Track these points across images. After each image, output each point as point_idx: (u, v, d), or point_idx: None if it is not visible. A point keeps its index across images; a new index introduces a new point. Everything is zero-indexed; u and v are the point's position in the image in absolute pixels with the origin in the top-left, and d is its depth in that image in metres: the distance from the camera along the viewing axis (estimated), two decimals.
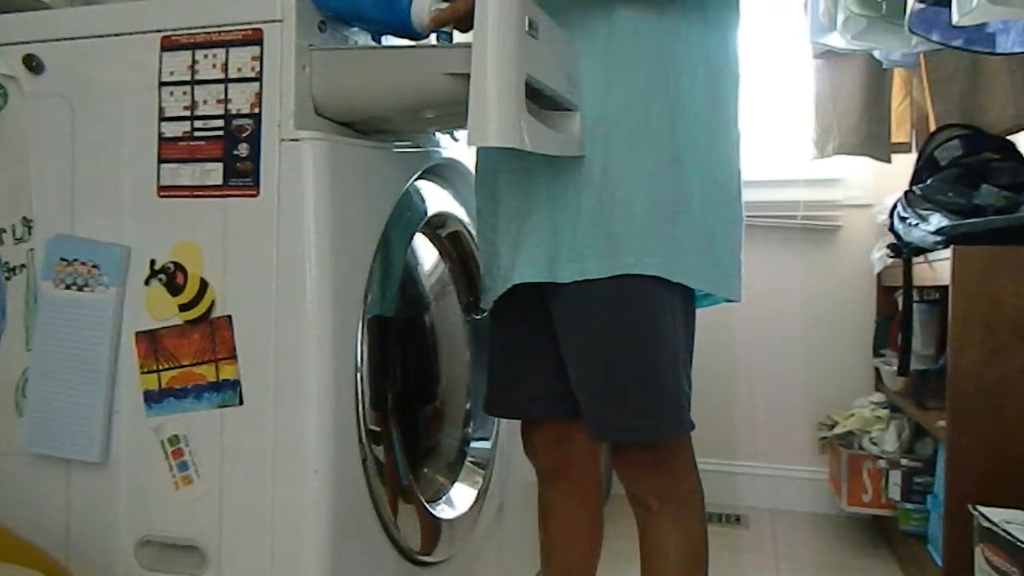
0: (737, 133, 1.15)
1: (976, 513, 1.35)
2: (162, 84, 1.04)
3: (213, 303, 1.02)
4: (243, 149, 1.00)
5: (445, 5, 1.02)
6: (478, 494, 1.42)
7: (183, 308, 1.03)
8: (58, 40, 1.10)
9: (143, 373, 1.05)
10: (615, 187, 1.06)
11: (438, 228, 1.38)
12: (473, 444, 1.47)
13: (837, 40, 1.89)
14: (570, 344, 1.12)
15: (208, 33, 1.02)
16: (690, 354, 1.15)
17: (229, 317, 1.01)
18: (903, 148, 2.28)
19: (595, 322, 1.09)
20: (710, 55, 1.11)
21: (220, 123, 1.01)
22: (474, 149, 1.30)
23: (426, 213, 1.27)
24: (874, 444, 2.09)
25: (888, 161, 2.25)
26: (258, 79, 1.00)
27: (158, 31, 1.04)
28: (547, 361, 1.16)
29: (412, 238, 1.25)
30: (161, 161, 1.04)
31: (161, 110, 1.04)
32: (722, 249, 1.11)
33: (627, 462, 1.16)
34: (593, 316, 1.09)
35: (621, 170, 1.06)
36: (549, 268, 1.09)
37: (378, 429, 1.09)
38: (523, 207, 1.12)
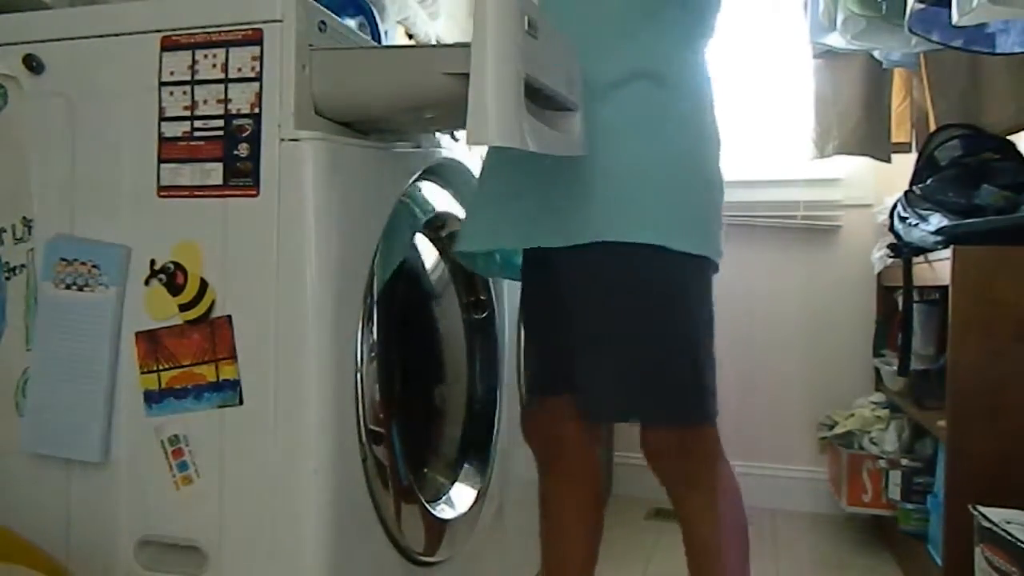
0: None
1: (976, 513, 1.35)
2: (162, 84, 1.04)
3: (213, 303, 1.02)
4: (243, 149, 1.00)
5: None
6: (478, 494, 1.42)
7: (183, 308, 1.03)
8: (58, 40, 1.10)
9: (143, 373, 1.05)
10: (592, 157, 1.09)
11: (438, 228, 1.38)
12: (473, 444, 1.47)
13: (837, 40, 1.89)
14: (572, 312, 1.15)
15: (208, 33, 1.02)
16: (703, 326, 1.14)
17: (229, 317, 1.01)
18: (903, 148, 2.28)
19: (581, 289, 1.13)
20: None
21: (220, 123, 1.01)
22: (474, 148, 1.30)
23: (426, 213, 1.27)
24: (874, 444, 2.09)
25: (888, 161, 2.25)
26: (258, 79, 1.00)
27: (158, 31, 1.04)
28: (556, 336, 1.19)
29: (412, 238, 1.25)
30: (161, 161, 1.04)
31: (161, 110, 1.04)
32: (680, 205, 1.11)
33: (651, 439, 1.18)
34: (582, 282, 1.13)
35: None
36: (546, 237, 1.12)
37: (378, 429, 1.09)
38: (526, 182, 1.15)
